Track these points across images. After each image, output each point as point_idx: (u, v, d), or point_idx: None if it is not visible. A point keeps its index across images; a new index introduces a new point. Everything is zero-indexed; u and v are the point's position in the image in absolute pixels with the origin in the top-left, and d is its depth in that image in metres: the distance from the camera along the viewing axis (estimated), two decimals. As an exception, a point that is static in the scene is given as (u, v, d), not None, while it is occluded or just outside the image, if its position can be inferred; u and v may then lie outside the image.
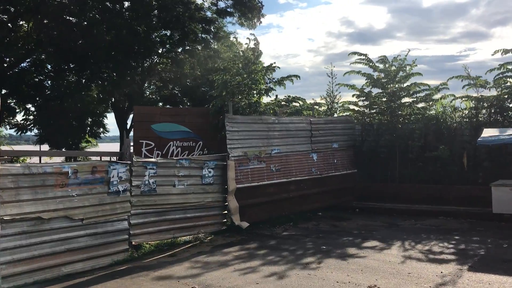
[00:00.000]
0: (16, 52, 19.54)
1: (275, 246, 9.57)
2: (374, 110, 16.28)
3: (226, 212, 11.02)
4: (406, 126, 15.12)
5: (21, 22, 21.42)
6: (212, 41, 23.18)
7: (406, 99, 15.65)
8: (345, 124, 15.49)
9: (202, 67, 22.21)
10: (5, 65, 20.39)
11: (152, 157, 15.01)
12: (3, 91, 20.23)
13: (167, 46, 22.40)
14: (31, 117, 21.92)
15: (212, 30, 23.23)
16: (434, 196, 13.93)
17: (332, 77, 16.71)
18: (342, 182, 14.92)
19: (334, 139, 14.80)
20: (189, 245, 9.69)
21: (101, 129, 22.59)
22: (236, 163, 11.20)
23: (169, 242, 9.65)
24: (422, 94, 15.24)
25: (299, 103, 15.87)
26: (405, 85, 15.31)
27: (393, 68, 15.40)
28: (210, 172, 10.57)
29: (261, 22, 23.88)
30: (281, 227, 11.62)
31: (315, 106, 16.82)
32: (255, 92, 15.21)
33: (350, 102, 17.10)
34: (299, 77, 15.30)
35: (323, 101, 17.65)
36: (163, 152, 14.97)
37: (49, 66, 21.07)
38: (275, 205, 12.32)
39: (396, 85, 15.39)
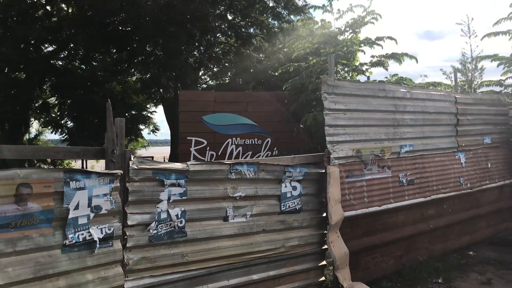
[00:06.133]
0: (47, 35, 15.44)
1: None
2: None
3: (324, 263, 5.82)
4: None
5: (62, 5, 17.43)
6: (283, 11, 18.11)
7: None
8: (498, 107, 9.75)
9: (273, 48, 17.19)
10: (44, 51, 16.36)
11: (204, 159, 10.49)
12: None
13: (230, 18, 17.52)
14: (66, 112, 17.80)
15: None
16: None
17: (470, 36, 10.97)
18: (499, 199, 9.22)
19: (485, 130, 9.14)
20: None
21: (146, 126, 18.09)
22: (343, 171, 5.97)
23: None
24: None
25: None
26: None
27: None
28: (295, 188, 5.42)
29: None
30: (426, 289, 6.27)
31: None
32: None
33: (491, 82, 11.50)
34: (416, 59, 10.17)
35: (448, 80, 12.09)
36: (219, 153, 10.60)
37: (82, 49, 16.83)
38: (407, 245, 6.94)
39: None
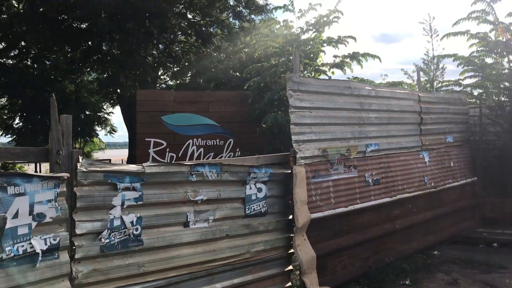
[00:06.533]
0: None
1: None
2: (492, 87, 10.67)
3: (291, 268, 5.55)
4: None
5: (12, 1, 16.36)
6: (244, 10, 17.82)
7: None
8: (459, 106, 9.83)
9: (233, 48, 16.86)
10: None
11: (163, 162, 10.05)
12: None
13: (189, 17, 17.04)
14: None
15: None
16: None
17: (432, 35, 11.02)
18: (461, 197, 9.30)
19: (448, 129, 9.19)
20: None
21: (102, 127, 17.32)
22: (309, 171, 5.72)
23: None
24: None
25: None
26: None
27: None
28: (260, 190, 5.13)
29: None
30: (394, 291, 6.12)
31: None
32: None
33: (450, 82, 11.67)
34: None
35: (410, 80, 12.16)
36: (180, 155, 10.20)
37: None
38: (374, 246, 6.78)
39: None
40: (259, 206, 5.09)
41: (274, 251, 5.29)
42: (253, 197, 5.04)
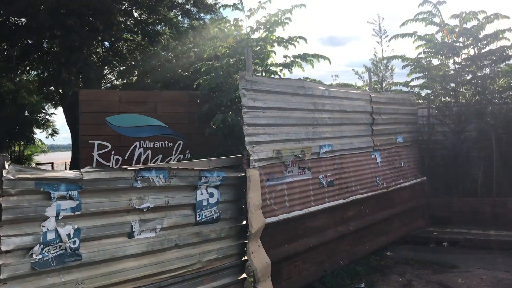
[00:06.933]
0: None
1: None
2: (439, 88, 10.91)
3: (244, 276, 5.28)
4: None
5: None
6: (193, 8, 17.40)
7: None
8: (408, 107, 9.94)
9: (182, 47, 16.43)
10: None
11: (109, 165, 9.59)
12: None
13: (135, 13, 16.43)
14: None
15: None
16: None
17: (381, 36, 11.12)
18: (411, 197, 9.40)
19: (398, 130, 9.26)
20: None
21: (44, 129, 16.31)
22: (263, 174, 5.48)
23: None
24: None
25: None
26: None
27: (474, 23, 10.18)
28: (212, 195, 4.82)
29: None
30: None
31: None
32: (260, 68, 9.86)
33: (398, 83, 11.86)
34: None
35: (360, 81, 12.25)
36: (126, 158, 9.72)
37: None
38: (329, 250, 6.64)
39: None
40: (210, 212, 4.79)
41: (227, 260, 5.00)
42: (205, 203, 4.73)
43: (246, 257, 5.20)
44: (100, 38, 15.10)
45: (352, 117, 7.53)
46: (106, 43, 16.55)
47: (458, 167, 9.80)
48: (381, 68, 11.56)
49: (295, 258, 5.94)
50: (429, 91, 11.09)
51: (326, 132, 6.75)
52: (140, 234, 4.09)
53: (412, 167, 9.55)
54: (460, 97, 10.43)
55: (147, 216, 4.17)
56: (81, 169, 3.59)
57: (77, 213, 3.56)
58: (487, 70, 10.15)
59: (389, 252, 7.99)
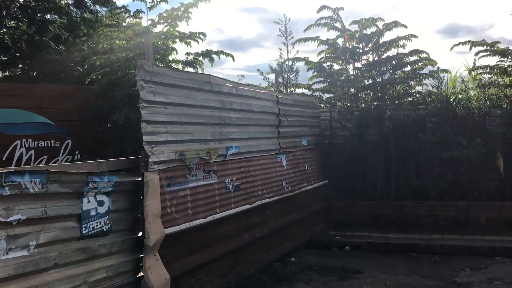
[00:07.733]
0: None
1: None
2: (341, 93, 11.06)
3: (140, 295, 4.59)
4: (407, 112, 9.95)
5: None
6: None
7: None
8: (312, 110, 9.86)
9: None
10: None
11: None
12: None
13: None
14: None
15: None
16: (459, 219, 8.98)
17: (287, 37, 10.99)
18: (314, 201, 9.30)
19: (302, 132, 9.11)
20: None
21: None
22: (163, 178, 4.83)
23: None
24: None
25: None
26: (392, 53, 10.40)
27: (373, 29, 10.48)
28: (102, 203, 4.09)
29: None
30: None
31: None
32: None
33: (300, 85, 11.85)
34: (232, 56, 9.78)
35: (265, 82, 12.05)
36: (4, 158, 8.76)
37: None
38: (233, 259, 6.16)
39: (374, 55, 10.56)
40: (100, 223, 4.05)
41: (119, 278, 4.29)
42: (92, 213, 3.98)
43: (142, 274, 4.52)
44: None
45: (260, 117, 7.16)
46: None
47: (359, 171, 9.93)
48: (286, 69, 11.43)
49: (198, 271, 5.37)
50: (331, 95, 11.18)
51: (234, 132, 6.29)
52: (7, 253, 3.27)
53: (315, 171, 9.47)
54: (361, 102, 10.61)
55: (17, 231, 3.34)
56: None
57: None
58: (386, 76, 10.44)
59: (293, 258, 7.73)
